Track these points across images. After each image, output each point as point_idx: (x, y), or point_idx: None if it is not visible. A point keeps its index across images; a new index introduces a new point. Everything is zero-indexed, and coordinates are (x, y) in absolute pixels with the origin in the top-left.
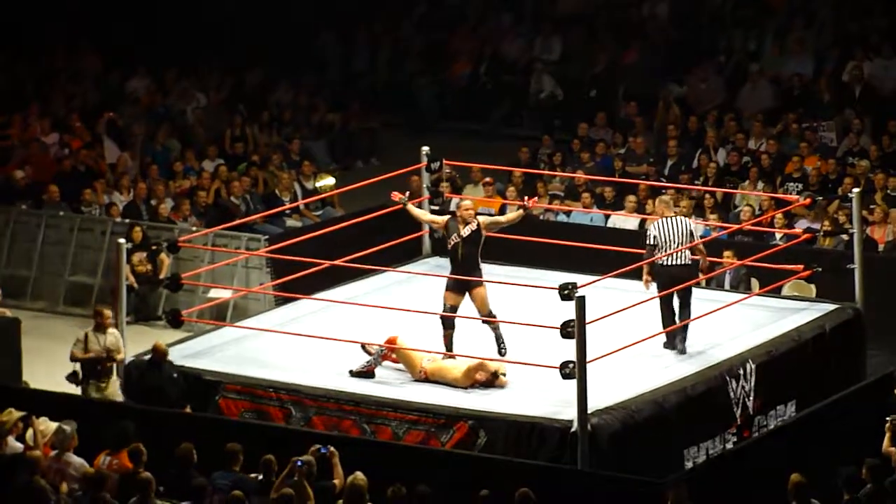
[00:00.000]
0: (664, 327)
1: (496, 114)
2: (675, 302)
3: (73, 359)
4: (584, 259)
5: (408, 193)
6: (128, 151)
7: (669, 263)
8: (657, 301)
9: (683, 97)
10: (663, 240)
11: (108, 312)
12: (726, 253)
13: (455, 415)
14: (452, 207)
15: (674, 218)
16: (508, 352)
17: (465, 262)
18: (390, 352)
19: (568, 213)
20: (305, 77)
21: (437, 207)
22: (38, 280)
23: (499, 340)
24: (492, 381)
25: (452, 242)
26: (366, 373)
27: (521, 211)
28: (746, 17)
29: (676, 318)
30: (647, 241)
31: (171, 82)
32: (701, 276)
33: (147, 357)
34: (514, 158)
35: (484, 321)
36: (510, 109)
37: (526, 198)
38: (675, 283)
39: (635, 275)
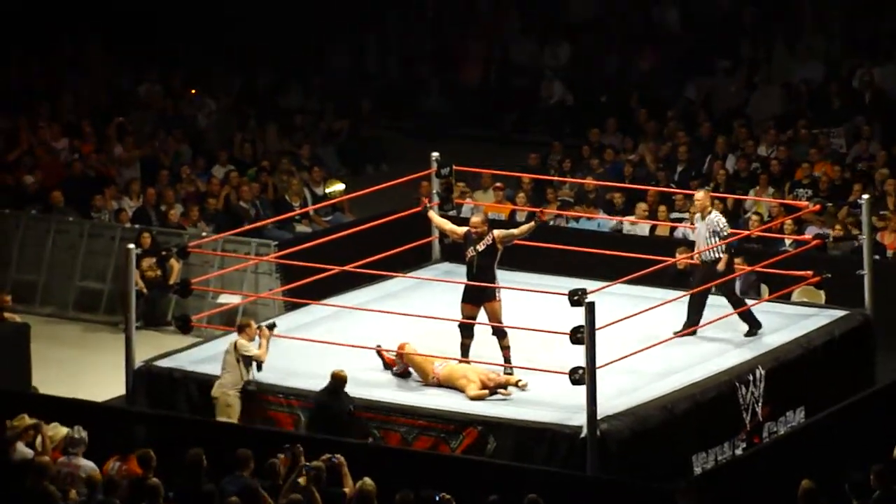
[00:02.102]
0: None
1: (506, 119)
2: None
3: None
4: (594, 265)
5: (434, 201)
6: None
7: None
8: (702, 294)
9: (698, 100)
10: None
11: (254, 324)
12: (736, 259)
13: (464, 420)
14: (465, 213)
15: None
16: (516, 363)
17: (480, 274)
18: (400, 359)
19: (577, 219)
20: (315, 81)
21: (453, 213)
22: (47, 285)
23: (506, 361)
24: (504, 387)
25: (469, 255)
26: (402, 374)
27: (533, 223)
28: (757, 23)
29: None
30: (727, 231)
31: (181, 87)
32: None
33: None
34: (524, 164)
35: (494, 334)
36: (520, 115)
37: (539, 210)
38: None
39: (645, 280)
